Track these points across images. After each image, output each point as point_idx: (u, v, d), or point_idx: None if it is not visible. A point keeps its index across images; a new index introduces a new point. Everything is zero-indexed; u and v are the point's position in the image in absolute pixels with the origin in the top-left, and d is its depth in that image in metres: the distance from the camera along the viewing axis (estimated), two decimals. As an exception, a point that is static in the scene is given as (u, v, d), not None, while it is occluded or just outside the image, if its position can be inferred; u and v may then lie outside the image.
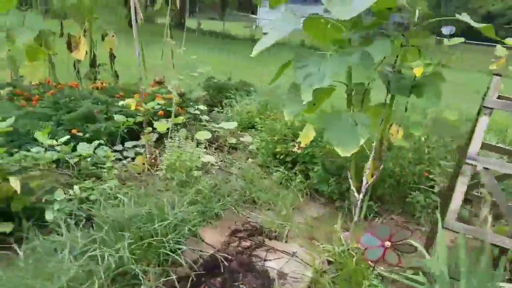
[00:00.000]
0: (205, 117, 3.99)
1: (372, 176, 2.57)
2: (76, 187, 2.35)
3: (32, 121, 3.09)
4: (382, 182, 3.19)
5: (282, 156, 3.48)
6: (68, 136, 2.53)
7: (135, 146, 3.46)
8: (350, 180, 2.60)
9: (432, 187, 3.30)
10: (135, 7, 3.08)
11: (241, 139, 4.06)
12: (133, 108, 3.04)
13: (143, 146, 3.44)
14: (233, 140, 3.90)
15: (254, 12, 38.92)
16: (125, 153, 3.36)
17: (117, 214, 2.20)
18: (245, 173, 3.35)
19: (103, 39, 4.67)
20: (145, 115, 3.14)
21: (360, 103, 2.68)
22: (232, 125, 3.92)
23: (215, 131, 4.00)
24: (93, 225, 2.14)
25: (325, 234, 2.75)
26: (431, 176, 3.35)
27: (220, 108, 5.04)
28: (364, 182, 2.52)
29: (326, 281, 2.22)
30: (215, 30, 17.84)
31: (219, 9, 34.18)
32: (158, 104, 3.52)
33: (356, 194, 2.53)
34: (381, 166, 2.58)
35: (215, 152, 3.81)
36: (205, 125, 4.09)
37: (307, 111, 2.72)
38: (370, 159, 2.51)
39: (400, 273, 2.22)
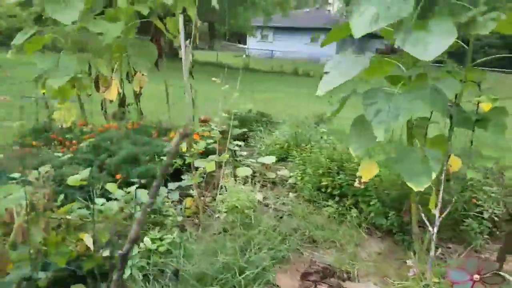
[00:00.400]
0: (243, 153, 3.90)
1: (440, 210, 2.51)
2: (147, 239, 2.21)
3: (75, 167, 2.95)
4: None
5: (329, 190, 3.40)
6: (136, 185, 2.40)
7: (178, 188, 3.34)
8: (421, 214, 2.52)
9: (481, 213, 3.25)
10: (186, 49, 3.03)
11: (278, 172, 3.96)
12: (184, 150, 2.94)
13: (188, 186, 3.32)
14: (273, 175, 3.80)
15: (240, 41, 39.62)
16: (169, 196, 3.23)
17: (196, 266, 2.07)
18: (295, 209, 3.25)
19: (127, 76, 4.61)
20: (193, 156, 3.03)
21: (421, 136, 2.64)
22: (271, 159, 3.85)
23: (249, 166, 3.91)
24: (178, 279, 1.99)
25: (394, 270, 2.64)
26: (478, 202, 3.31)
27: (245, 141, 4.96)
28: (437, 215, 2.45)
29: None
30: (210, 61, 17.98)
31: (208, 39, 34.65)
32: (207, 143, 3.43)
33: (430, 228, 2.45)
34: (453, 200, 2.52)
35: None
36: (240, 161, 4.00)
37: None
38: (441, 192, 2.45)
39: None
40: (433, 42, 2.06)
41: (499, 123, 2.41)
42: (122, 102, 4.36)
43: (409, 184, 2.33)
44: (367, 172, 2.71)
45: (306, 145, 4.00)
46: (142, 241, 2.22)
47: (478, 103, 2.48)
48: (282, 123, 5.21)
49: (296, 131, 4.45)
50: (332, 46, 31.62)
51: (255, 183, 3.65)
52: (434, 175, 2.30)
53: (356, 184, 2.75)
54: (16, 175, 2.11)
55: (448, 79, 2.36)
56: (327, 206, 3.31)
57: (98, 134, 3.43)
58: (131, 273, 2.05)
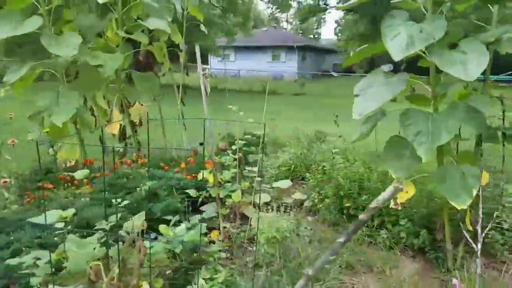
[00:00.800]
0: (258, 178, 3.87)
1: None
2: (201, 281, 2.12)
3: (95, 209, 2.79)
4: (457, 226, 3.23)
5: (351, 211, 3.43)
6: (184, 224, 2.31)
7: (201, 220, 3.25)
8: (464, 231, 2.60)
9: (499, 223, 3.40)
10: (203, 79, 3.00)
11: (293, 196, 3.96)
12: (211, 181, 2.88)
13: (211, 218, 3.24)
14: (289, 200, 3.80)
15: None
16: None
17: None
18: (321, 234, 3.25)
19: (121, 106, 4.47)
20: (218, 187, 2.97)
21: (453, 154, 2.75)
22: (287, 184, 3.84)
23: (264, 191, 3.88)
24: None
25: (436, 289, 2.69)
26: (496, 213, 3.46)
27: (246, 164, 4.94)
28: (479, 231, 2.53)
29: None
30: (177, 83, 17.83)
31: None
32: (233, 173, 3.37)
33: (474, 245, 2.53)
34: (494, 215, 2.63)
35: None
36: (253, 187, 3.96)
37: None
38: (480, 208, 2.55)
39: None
40: (470, 63, 2.19)
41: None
42: (123, 135, 4.21)
43: (452, 203, 2.41)
44: (403, 193, 2.78)
45: (316, 166, 4.03)
46: (196, 285, 2.13)
47: (503, 118, 2.64)
48: (278, 144, 5.24)
49: (301, 152, 4.49)
50: (294, 63, 32.55)
51: (281, 210, 3.63)
52: (475, 192, 2.40)
53: (392, 205, 2.81)
54: (60, 225, 1.96)
55: (481, 96, 2.50)
56: (352, 228, 3.34)
57: (113, 172, 3.28)
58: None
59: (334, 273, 2.71)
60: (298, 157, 4.48)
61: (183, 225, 2.25)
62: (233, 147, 3.42)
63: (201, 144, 5.72)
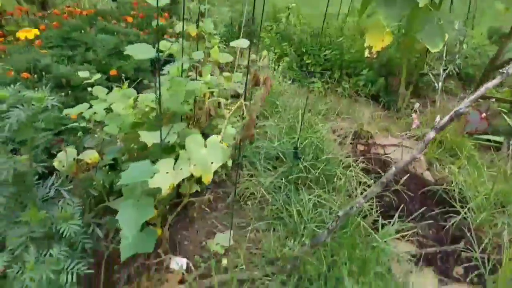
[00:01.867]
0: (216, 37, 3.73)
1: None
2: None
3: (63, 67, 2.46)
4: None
5: (312, 68, 3.67)
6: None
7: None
8: (430, 73, 3.08)
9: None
10: None
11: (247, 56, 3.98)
12: (193, 34, 2.71)
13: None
14: (245, 61, 3.82)
15: None
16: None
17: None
18: (289, 89, 3.46)
19: None
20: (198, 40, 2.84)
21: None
22: (246, 43, 3.81)
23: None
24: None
25: (394, 125, 3.24)
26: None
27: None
28: (441, 71, 3.04)
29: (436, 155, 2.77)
30: None
31: None
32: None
33: (436, 84, 3.05)
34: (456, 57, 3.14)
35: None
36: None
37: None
38: (445, 50, 3.01)
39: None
40: None
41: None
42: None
43: (428, 46, 2.79)
44: (379, 42, 3.04)
45: (271, 25, 4.04)
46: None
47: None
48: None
49: (246, 8, 4.37)
50: None
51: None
52: (447, 36, 2.80)
53: (366, 54, 3.08)
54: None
55: None
56: (313, 82, 3.62)
57: (63, 24, 2.74)
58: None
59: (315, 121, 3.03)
60: (242, 13, 4.36)
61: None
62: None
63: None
